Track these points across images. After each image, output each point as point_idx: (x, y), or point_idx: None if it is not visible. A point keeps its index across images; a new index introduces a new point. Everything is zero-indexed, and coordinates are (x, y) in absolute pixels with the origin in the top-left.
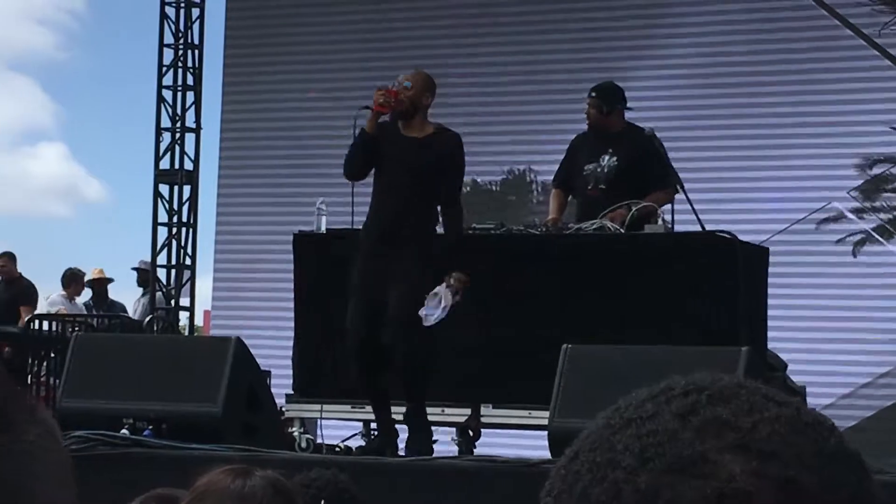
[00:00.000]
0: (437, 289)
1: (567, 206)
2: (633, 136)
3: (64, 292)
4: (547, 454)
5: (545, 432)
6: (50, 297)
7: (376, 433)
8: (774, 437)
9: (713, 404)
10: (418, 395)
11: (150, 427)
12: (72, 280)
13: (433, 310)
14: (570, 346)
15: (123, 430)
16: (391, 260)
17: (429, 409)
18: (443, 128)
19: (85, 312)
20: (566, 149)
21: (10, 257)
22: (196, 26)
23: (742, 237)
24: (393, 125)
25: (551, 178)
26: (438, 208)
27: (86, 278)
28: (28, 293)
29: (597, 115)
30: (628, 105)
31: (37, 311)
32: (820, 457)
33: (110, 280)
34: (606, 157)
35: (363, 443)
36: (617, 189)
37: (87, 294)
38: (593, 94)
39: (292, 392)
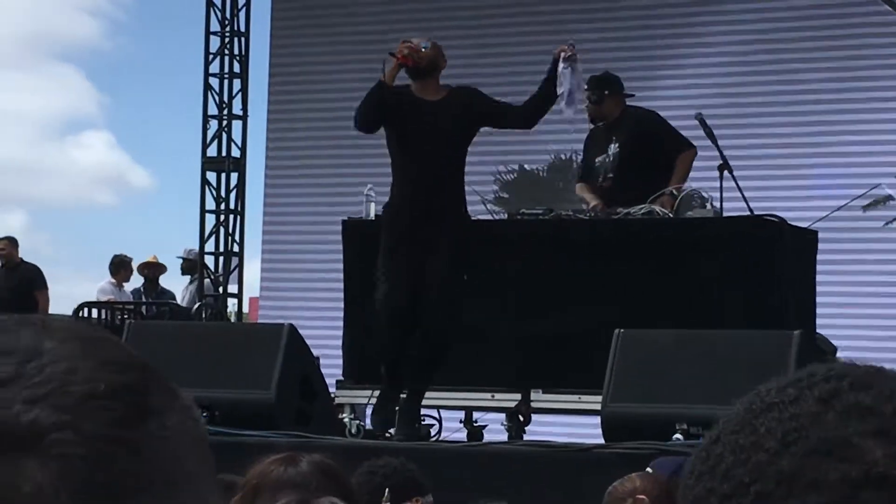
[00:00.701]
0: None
1: None
2: (630, 118)
3: (113, 280)
4: (596, 439)
5: (595, 417)
6: (100, 284)
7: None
8: None
9: (854, 390)
10: (426, 379)
11: (205, 414)
12: (120, 267)
13: (571, 101)
14: (621, 330)
15: None
16: (427, 234)
17: (479, 395)
18: (452, 86)
19: (132, 299)
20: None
21: (12, 241)
22: (242, 14)
23: (791, 221)
24: (408, 94)
25: None
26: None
27: (137, 263)
28: (39, 278)
29: (589, 107)
30: (627, 91)
31: (87, 300)
32: None
33: (164, 268)
34: (612, 146)
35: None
36: (623, 174)
37: (137, 280)
38: (585, 88)
39: (342, 378)
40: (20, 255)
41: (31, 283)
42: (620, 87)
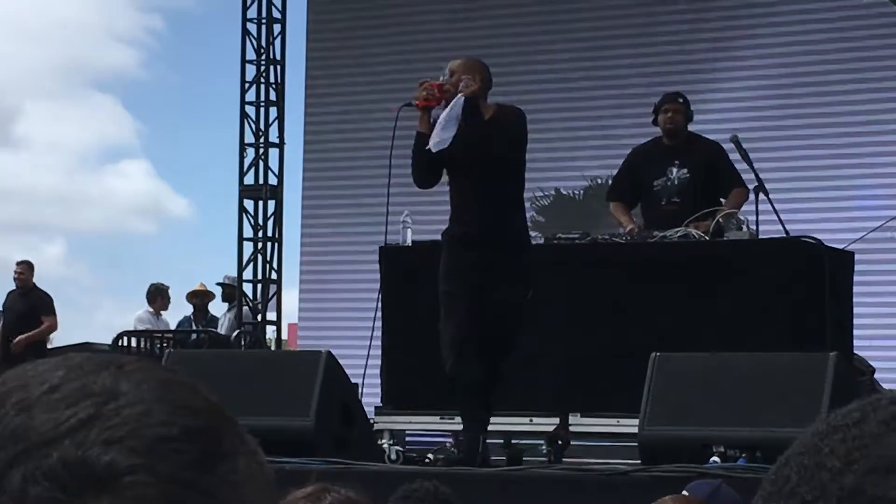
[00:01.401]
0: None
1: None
2: (699, 145)
3: (150, 308)
4: (635, 462)
5: (633, 441)
6: (137, 313)
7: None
8: None
9: None
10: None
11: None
12: (157, 295)
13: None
14: (658, 354)
15: None
16: (483, 275)
17: (517, 419)
18: (502, 105)
19: (177, 327)
20: (622, 164)
21: (29, 266)
22: (278, 42)
23: (827, 242)
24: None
25: None
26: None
27: (188, 292)
28: (47, 303)
29: (682, 122)
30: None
31: (127, 329)
32: None
33: (212, 295)
34: (675, 170)
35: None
36: (691, 200)
37: (185, 308)
38: (680, 101)
39: (381, 404)
40: (34, 281)
41: (39, 308)
42: None
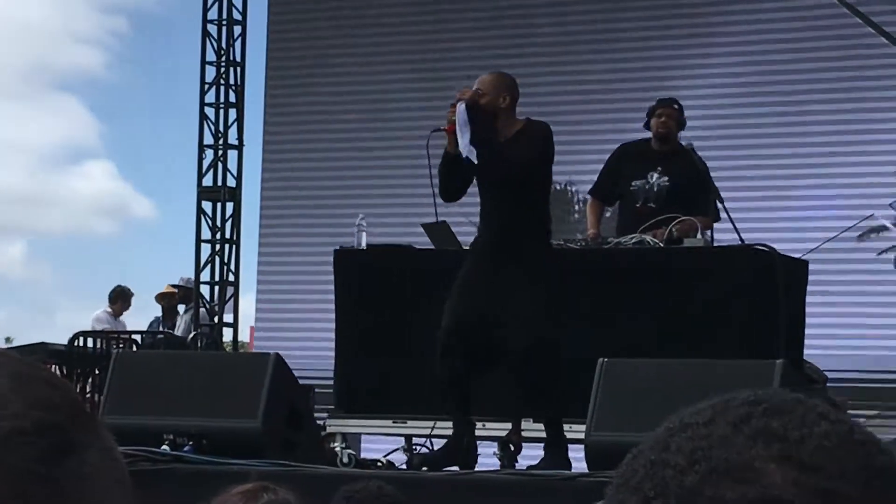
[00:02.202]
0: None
1: (603, 217)
2: (684, 157)
3: (109, 309)
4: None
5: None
6: (95, 313)
7: (426, 447)
8: (820, 450)
9: (767, 416)
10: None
11: (191, 443)
12: (119, 297)
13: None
14: (605, 360)
15: (164, 446)
16: (500, 279)
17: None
18: (531, 121)
19: (128, 329)
20: (608, 159)
21: None
22: (238, 44)
23: (782, 250)
24: (490, 132)
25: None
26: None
27: (156, 293)
28: None
29: (675, 128)
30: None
31: (84, 329)
32: (865, 472)
33: (177, 300)
34: (655, 175)
35: (406, 457)
36: (667, 208)
37: (155, 309)
38: (675, 106)
39: (334, 408)
40: None
41: None
42: None
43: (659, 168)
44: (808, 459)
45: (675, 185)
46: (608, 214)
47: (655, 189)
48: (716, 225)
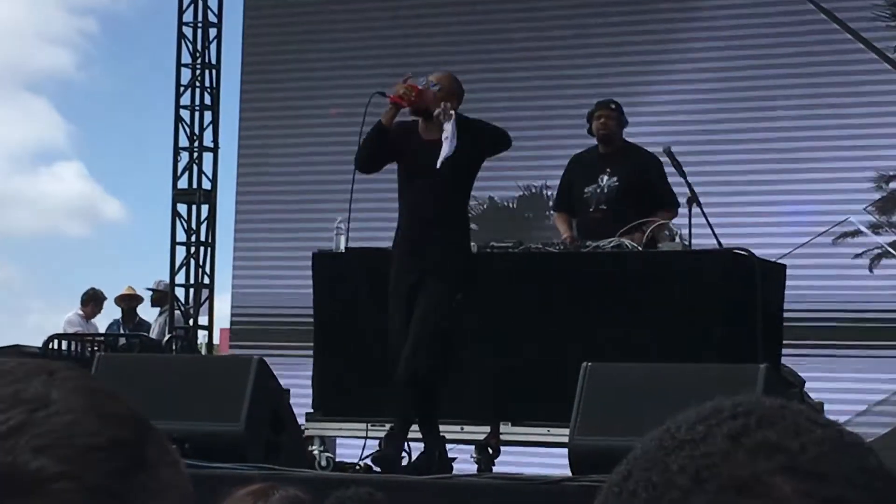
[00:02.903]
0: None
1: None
2: (632, 154)
3: (81, 311)
4: (566, 471)
5: (564, 450)
6: (67, 315)
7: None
8: (822, 458)
9: (762, 427)
10: (434, 411)
11: (174, 446)
12: (91, 299)
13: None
14: (589, 364)
15: None
16: (421, 274)
17: (448, 427)
18: (462, 120)
19: (107, 331)
20: (563, 173)
21: None
22: (213, 46)
23: (759, 253)
24: (414, 132)
25: None
26: (468, 213)
27: (116, 295)
28: None
29: (615, 128)
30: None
31: (58, 332)
32: (864, 475)
33: (140, 299)
34: (605, 178)
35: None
36: (619, 208)
37: (115, 312)
38: (612, 107)
39: (311, 410)
40: None
41: None
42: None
43: (607, 170)
44: (812, 468)
45: (624, 183)
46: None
47: (606, 191)
48: (694, 227)
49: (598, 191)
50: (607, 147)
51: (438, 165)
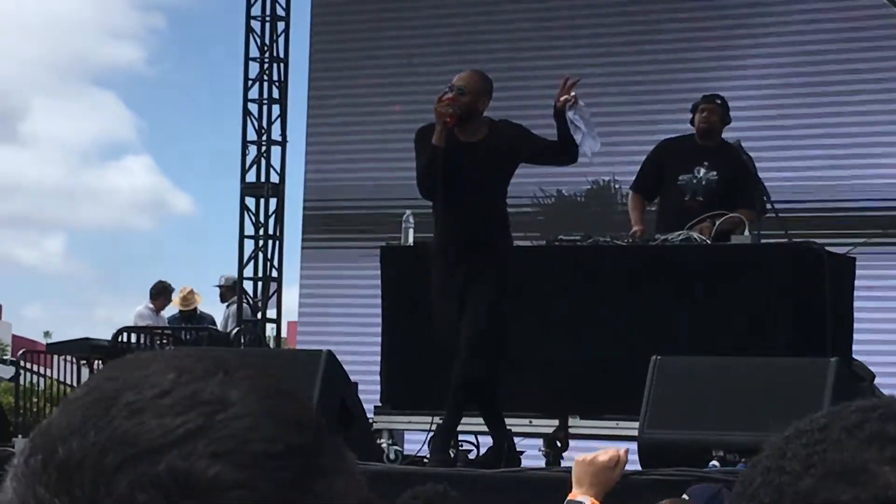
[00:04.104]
0: (576, 122)
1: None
2: (730, 152)
3: (151, 305)
4: (635, 466)
5: (633, 443)
6: (137, 309)
7: (469, 445)
8: None
9: (882, 420)
10: (496, 405)
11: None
12: (161, 293)
13: (590, 139)
14: (659, 357)
15: None
16: (466, 279)
17: (517, 420)
18: (493, 121)
19: (167, 325)
20: (649, 154)
21: None
22: (281, 40)
23: (829, 248)
24: (450, 134)
25: None
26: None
27: (174, 296)
28: None
29: (717, 124)
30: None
31: (126, 324)
32: None
33: (199, 299)
34: (703, 170)
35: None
36: (716, 202)
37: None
38: (718, 102)
39: (380, 404)
40: None
41: None
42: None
43: (706, 162)
44: None
45: (724, 180)
46: (652, 208)
47: (704, 183)
48: (763, 220)
49: (695, 182)
50: (705, 140)
51: (590, 156)
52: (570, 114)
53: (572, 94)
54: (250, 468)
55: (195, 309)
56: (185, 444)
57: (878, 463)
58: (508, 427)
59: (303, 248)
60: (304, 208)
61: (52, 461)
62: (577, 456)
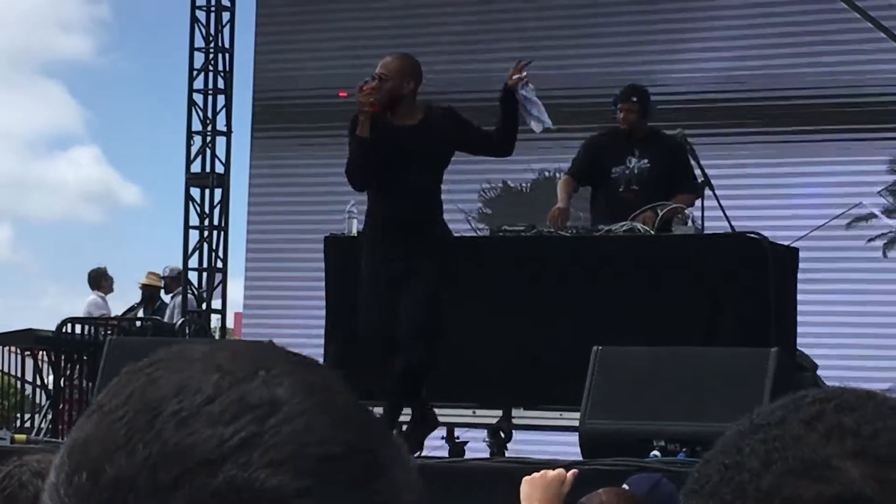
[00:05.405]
0: (529, 96)
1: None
2: (660, 139)
3: (99, 293)
4: (578, 455)
5: (576, 433)
6: (89, 298)
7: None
8: (895, 445)
9: (838, 412)
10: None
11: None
12: (99, 279)
13: (539, 114)
14: (599, 347)
15: None
16: (406, 262)
17: (460, 411)
18: (431, 107)
19: (127, 314)
20: (581, 146)
21: None
22: (226, 30)
23: (772, 238)
24: (382, 120)
25: None
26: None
27: (139, 282)
28: None
29: (637, 120)
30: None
31: (73, 315)
32: None
33: (160, 284)
34: (633, 160)
35: None
36: (650, 189)
37: (136, 295)
38: (634, 100)
39: None
40: None
41: None
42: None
43: (636, 151)
44: (885, 453)
45: (656, 166)
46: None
47: (636, 172)
48: (707, 213)
49: (628, 172)
50: (632, 133)
51: (539, 131)
52: (522, 92)
53: (524, 73)
54: (312, 474)
55: (157, 295)
56: (241, 453)
57: (840, 458)
58: (452, 418)
59: (248, 238)
60: (249, 199)
61: (101, 480)
62: (526, 476)
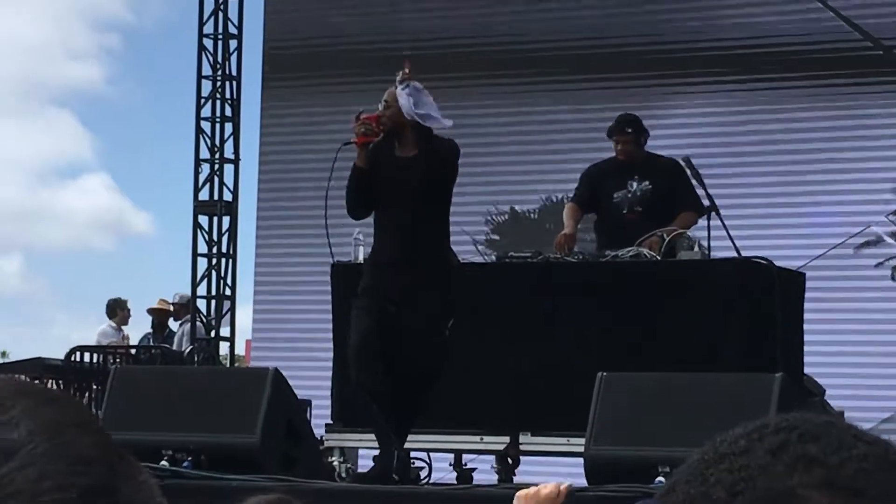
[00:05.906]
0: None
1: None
2: (658, 162)
3: (112, 322)
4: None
5: (581, 459)
6: (100, 327)
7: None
8: (861, 473)
9: (803, 442)
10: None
11: (190, 458)
12: (116, 308)
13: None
14: (604, 373)
15: (163, 462)
16: (400, 302)
17: (468, 437)
18: (432, 137)
19: (138, 343)
20: (582, 176)
21: None
22: (234, 58)
23: (779, 263)
24: (388, 147)
25: None
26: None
27: (148, 307)
28: None
29: (634, 150)
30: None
31: (81, 343)
32: None
33: (170, 311)
34: (634, 183)
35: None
36: (654, 211)
37: (146, 324)
38: (629, 131)
39: (332, 422)
40: None
41: None
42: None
43: (636, 176)
44: (851, 484)
45: (658, 188)
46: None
47: (639, 194)
48: (713, 237)
49: (630, 195)
50: (631, 162)
51: (448, 125)
52: (400, 87)
53: (406, 70)
54: None
55: (166, 323)
56: None
57: (805, 487)
58: (460, 445)
59: (256, 265)
60: (258, 226)
61: None
62: (519, 492)
